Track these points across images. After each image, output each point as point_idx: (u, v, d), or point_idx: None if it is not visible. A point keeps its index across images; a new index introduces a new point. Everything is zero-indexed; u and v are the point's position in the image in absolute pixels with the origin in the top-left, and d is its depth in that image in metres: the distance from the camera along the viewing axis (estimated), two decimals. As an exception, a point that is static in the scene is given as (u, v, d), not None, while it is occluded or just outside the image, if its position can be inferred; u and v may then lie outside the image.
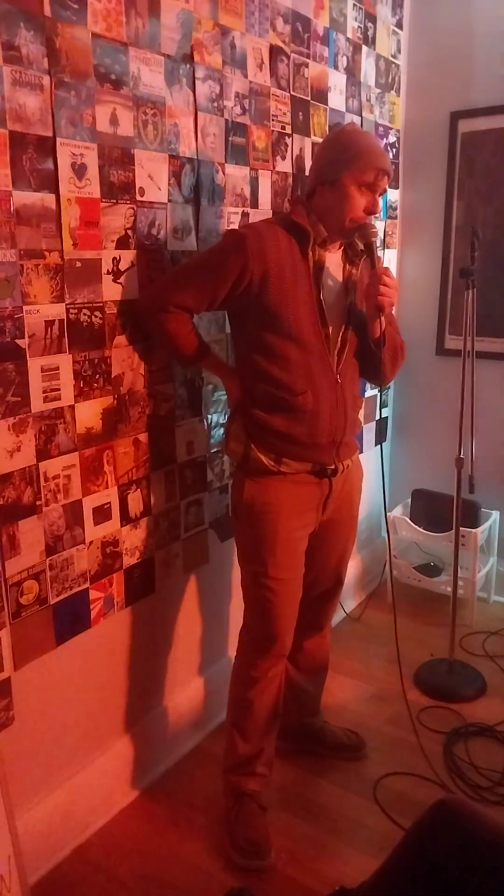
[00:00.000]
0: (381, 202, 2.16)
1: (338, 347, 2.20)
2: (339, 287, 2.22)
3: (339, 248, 2.23)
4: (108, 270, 2.14)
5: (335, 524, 2.40)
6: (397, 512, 3.86)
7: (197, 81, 2.34)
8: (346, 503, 2.40)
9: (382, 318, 2.18)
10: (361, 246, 2.20)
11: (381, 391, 3.84)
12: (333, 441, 2.23)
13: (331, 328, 2.17)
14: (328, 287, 2.17)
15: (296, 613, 2.35)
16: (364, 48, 3.25)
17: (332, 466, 2.26)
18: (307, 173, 2.30)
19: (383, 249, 3.67)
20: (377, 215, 2.21)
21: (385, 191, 2.16)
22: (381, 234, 3.63)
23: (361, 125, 3.30)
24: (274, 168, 2.73)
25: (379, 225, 3.59)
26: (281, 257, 2.08)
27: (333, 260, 2.21)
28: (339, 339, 2.21)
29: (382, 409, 3.92)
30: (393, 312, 2.36)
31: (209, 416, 2.63)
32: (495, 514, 3.76)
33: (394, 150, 3.66)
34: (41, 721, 2.19)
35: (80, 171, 2.00)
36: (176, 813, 2.46)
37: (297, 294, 2.10)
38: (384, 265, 2.26)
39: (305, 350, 2.13)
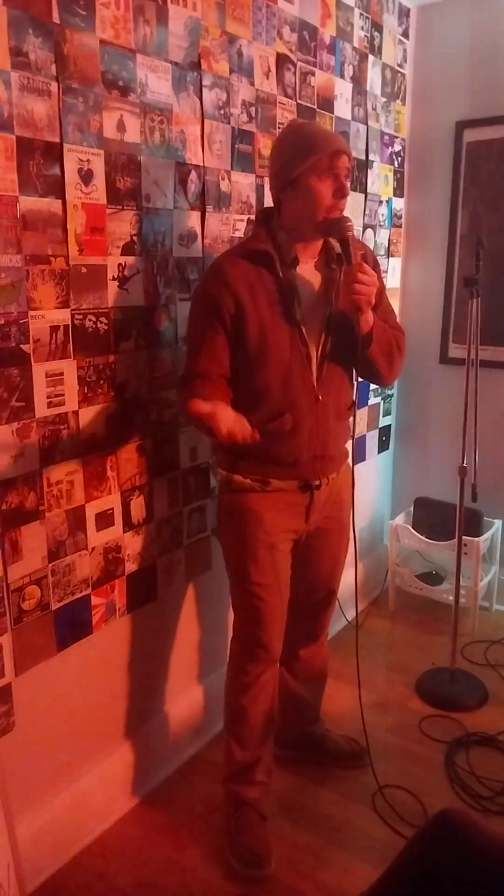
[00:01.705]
0: (347, 184, 2.05)
1: (317, 362, 2.17)
2: (317, 299, 2.15)
3: (315, 257, 2.17)
4: (113, 276, 2.14)
5: (325, 533, 2.39)
6: (400, 520, 3.86)
7: (204, 89, 2.35)
8: (334, 511, 2.38)
9: (362, 319, 2.08)
10: (338, 248, 2.11)
11: (384, 399, 3.85)
12: (314, 456, 2.21)
13: (310, 345, 2.13)
14: (304, 301, 2.12)
15: (283, 619, 2.34)
16: (370, 57, 3.26)
17: (317, 482, 2.25)
18: (268, 186, 2.22)
19: (387, 258, 3.68)
20: (346, 203, 2.09)
21: (349, 171, 2.06)
22: (385, 243, 3.63)
23: (367, 134, 3.31)
24: (279, 176, 2.73)
25: (383, 234, 3.59)
26: (250, 284, 2.05)
27: (307, 271, 2.15)
28: (319, 353, 2.16)
29: (385, 417, 3.92)
30: (392, 306, 2.34)
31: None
32: (498, 523, 3.75)
33: (399, 158, 3.66)
34: (41, 727, 2.18)
35: (86, 177, 2.00)
36: (176, 820, 2.45)
37: (274, 318, 2.07)
38: (367, 261, 2.14)
39: (285, 373, 2.11)
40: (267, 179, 2.65)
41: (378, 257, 3.54)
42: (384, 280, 3.43)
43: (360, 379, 2.33)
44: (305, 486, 2.23)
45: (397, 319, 2.43)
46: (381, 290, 2.20)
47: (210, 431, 1.92)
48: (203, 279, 2.15)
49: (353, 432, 3.51)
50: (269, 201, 2.65)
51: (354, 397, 2.37)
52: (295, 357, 2.11)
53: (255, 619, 2.28)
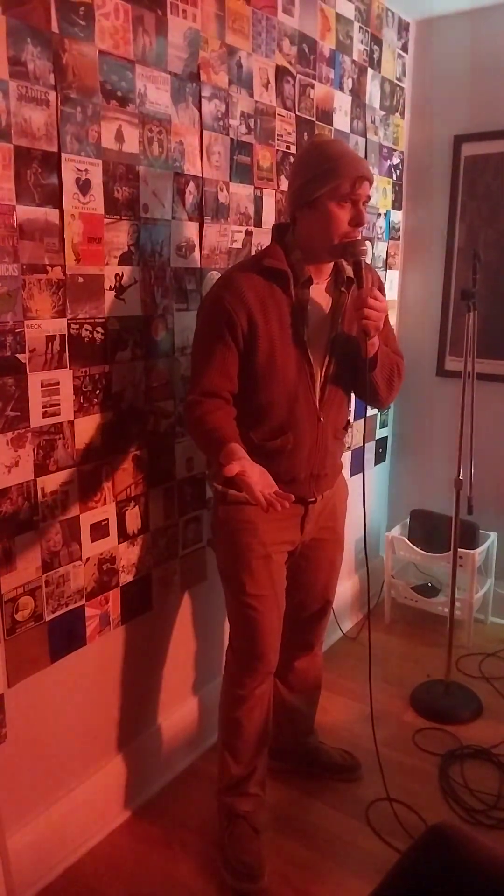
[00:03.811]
0: (366, 211, 2.06)
1: (320, 384, 2.17)
2: (324, 320, 2.15)
3: (326, 279, 2.17)
4: (110, 286, 2.14)
5: (320, 544, 2.38)
6: (396, 532, 3.85)
7: (203, 100, 2.35)
8: (329, 521, 2.38)
9: (369, 343, 2.08)
10: (350, 272, 2.11)
11: (380, 411, 3.85)
12: (312, 475, 2.22)
13: (314, 366, 2.13)
14: (312, 323, 2.11)
15: (279, 630, 2.33)
16: (369, 71, 3.27)
17: (312, 499, 2.26)
18: (284, 198, 2.18)
19: (385, 270, 3.68)
20: (365, 228, 2.08)
21: (369, 198, 2.05)
22: (383, 255, 3.64)
23: (366, 147, 3.32)
24: (278, 187, 2.74)
25: (381, 246, 3.60)
26: (263, 302, 2.03)
27: (318, 293, 2.14)
28: (322, 374, 2.17)
29: (382, 429, 3.92)
30: (393, 331, 2.33)
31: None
32: (493, 536, 3.75)
33: (397, 171, 3.67)
34: (34, 739, 2.17)
35: (84, 186, 2.00)
36: (169, 833, 2.43)
37: (284, 338, 2.06)
38: (375, 285, 2.17)
39: (290, 393, 2.10)
40: (265, 191, 2.67)
41: (376, 269, 3.55)
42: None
43: (356, 400, 2.32)
44: (300, 501, 2.22)
45: (397, 341, 2.43)
46: (386, 314, 2.18)
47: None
48: (216, 291, 2.09)
49: (351, 444, 3.53)
50: (267, 212, 2.67)
51: (350, 417, 2.37)
52: (301, 378, 2.11)
53: (252, 631, 2.27)
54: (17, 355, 1.90)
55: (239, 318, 2.01)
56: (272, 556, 2.24)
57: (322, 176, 1.97)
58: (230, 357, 2.05)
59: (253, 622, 2.26)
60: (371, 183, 2.02)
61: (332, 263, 2.16)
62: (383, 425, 3.93)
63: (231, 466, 1.79)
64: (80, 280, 2.04)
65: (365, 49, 3.22)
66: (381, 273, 3.64)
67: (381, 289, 2.25)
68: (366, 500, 2.22)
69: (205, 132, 2.38)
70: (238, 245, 2.60)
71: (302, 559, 2.37)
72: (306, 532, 2.31)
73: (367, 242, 2.04)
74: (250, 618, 2.26)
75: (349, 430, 2.38)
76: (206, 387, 2.06)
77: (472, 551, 3.51)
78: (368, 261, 2.16)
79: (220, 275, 2.24)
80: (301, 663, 2.60)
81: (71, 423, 2.09)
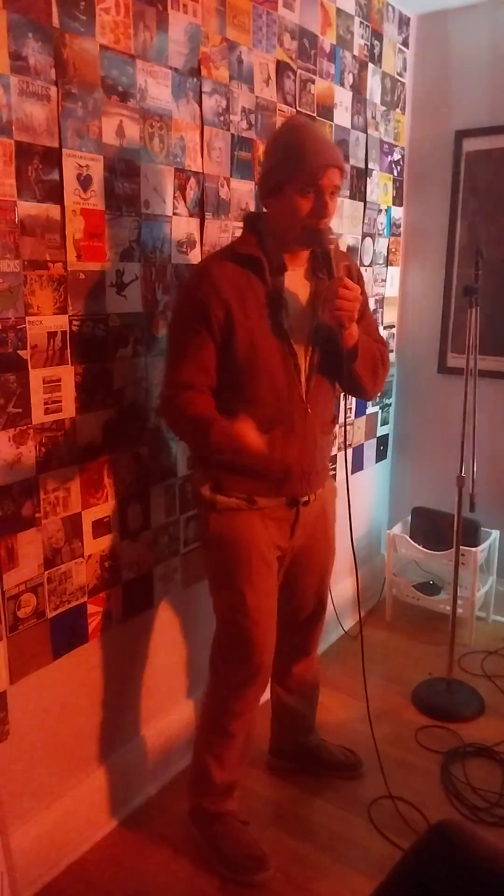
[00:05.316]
0: (333, 203, 1.97)
1: (306, 374, 2.11)
2: (304, 309, 2.09)
3: (303, 266, 2.11)
4: (111, 283, 2.13)
5: (311, 550, 2.35)
6: (397, 529, 3.85)
7: (204, 95, 2.34)
8: (320, 524, 2.34)
9: (346, 334, 2.03)
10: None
11: (382, 408, 3.84)
12: (304, 472, 2.16)
13: (298, 356, 2.07)
14: (292, 311, 2.06)
15: (275, 638, 2.28)
16: (370, 66, 3.26)
17: (305, 498, 2.21)
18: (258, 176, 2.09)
19: (386, 267, 3.67)
20: (330, 218, 2.02)
21: (338, 187, 1.96)
22: (384, 252, 3.63)
23: (367, 142, 3.31)
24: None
25: (382, 243, 3.59)
26: (239, 291, 1.98)
27: (295, 280, 2.09)
28: (307, 364, 2.11)
29: (383, 427, 3.91)
30: (375, 319, 2.27)
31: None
32: (495, 534, 3.74)
33: (398, 167, 3.66)
34: (37, 735, 2.17)
35: (85, 182, 1.99)
36: (172, 829, 2.43)
37: (263, 328, 2.01)
38: (352, 274, 2.13)
39: (276, 385, 2.05)
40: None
41: (377, 266, 3.55)
42: (369, 291, 3.44)
43: (341, 393, 2.29)
44: (293, 502, 2.19)
45: (387, 329, 2.40)
46: (365, 303, 2.14)
47: (237, 451, 1.87)
48: (189, 281, 2.07)
49: (352, 441, 3.52)
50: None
51: (336, 411, 2.33)
52: (285, 369, 2.06)
53: (251, 644, 2.20)
54: (19, 352, 1.90)
55: (214, 309, 1.96)
56: (270, 562, 2.20)
57: (286, 164, 1.92)
58: (207, 350, 2.00)
59: (252, 635, 2.19)
60: (342, 171, 1.96)
61: (309, 251, 2.10)
62: (384, 423, 3.93)
63: (236, 428, 1.81)
64: (82, 276, 2.04)
65: (365, 44, 3.21)
66: (381, 270, 3.63)
67: (358, 276, 2.20)
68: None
69: (206, 127, 2.37)
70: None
71: (294, 566, 2.33)
72: (296, 537, 2.26)
73: (335, 232, 1.96)
74: (249, 630, 2.19)
75: (336, 424, 2.33)
76: (183, 380, 2.02)
77: (474, 549, 3.50)
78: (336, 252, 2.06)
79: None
80: (299, 668, 2.58)
81: (73, 419, 2.08)
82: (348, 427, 3.49)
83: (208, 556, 2.26)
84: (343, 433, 2.86)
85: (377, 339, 2.29)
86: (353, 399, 3.47)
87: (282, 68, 2.68)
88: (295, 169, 1.91)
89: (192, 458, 2.27)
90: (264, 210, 2.10)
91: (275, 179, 1.96)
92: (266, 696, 2.66)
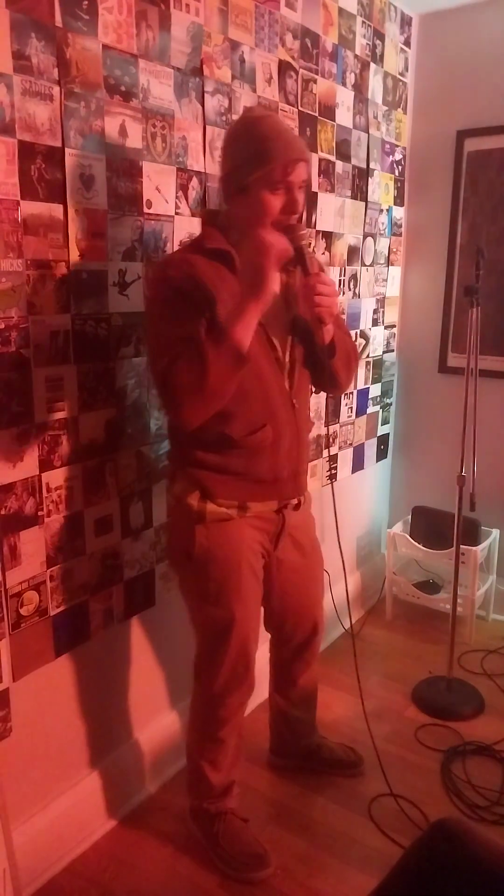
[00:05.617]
0: (302, 197, 1.91)
1: (288, 368, 2.06)
2: (278, 302, 2.00)
3: None
4: (114, 282, 2.14)
5: (304, 566, 2.33)
6: (397, 529, 3.85)
7: (206, 95, 2.35)
8: (306, 539, 2.33)
9: (325, 330, 1.97)
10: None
11: (382, 408, 3.84)
12: (293, 471, 2.13)
13: (279, 350, 2.03)
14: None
15: (258, 641, 2.24)
16: (372, 65, 3.27)
17: (295, 501, 2.19)
18: (219, 176, 2.02)
19: (387, 267, 3.68)
20: (299, 214, 1.94)
21: (306, 181, 1.90)
22: (385, 252, 3.63)
23: (368, 142, 3.31)
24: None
25: (383, 242, 3.59)
26: (214, 283, 1.88)
27: None
28: (288, 359, 2.06)
29: (384, 426, 3.92)
30: (341, 315, 2.21)
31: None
32: (495, 533, 3.75)
33: (400, 167, 3.67)
34: (39, 732, 2.17)
35: (88, 181, 2.00)
36: (172, 827, 2.43)
37: None
38: (319, 269, 2.03)
39: (262, 380, 1.98)
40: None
41: (378, 266, 3.56)
42: (370, 291, 3.43)
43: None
44: (282, 506, 2.16)
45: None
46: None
47: (261, 275, 1.77)
48: (162, 273, 1.95)
49: (353, 440, 3.53)
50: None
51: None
52: (269, 362, 2.01)
53: (239, 655, 2.17)
54: (22, 351, 1.90)
55: (198, 300, 1.85)
56: (257, 570, 2.17)
57: (252, 160, 1.84)
58: (197, 325, 1.84)
59: (241, 647, 2.17)
60: (308, 164, 1.91)
61: None
62: (385, 422, 3.93)
63: (262, 238, 1.77)
64: (84, 275, 2.04)
65: (367, 44, 3.21)
66: (382, 269, 3.63)
67: (320, 268, 2.12)
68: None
69: (208, 127, 2.38)
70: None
71: (292, 587, 2.32)
72: (280, 548, 2.22)
73: (307, 228, 1.89)
74: (238, 642, 2.15)
75: (312, 422, 2.29)
76: (178, 349, 1.83)
77: (474, 548, 3.51)
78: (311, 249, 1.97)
79: None
80: (303, 679, 2.57)
81: (75, 418, 2.09)
82: (349, 427, 3.50)
83: (191, 571, 2.14)
84: (329, 427, 2.84)
85: (346, 332, 2.25)
86: (354, 398, 3.48)
87: (284, 68, 2.69)
88: (262, 167, 1.83)
89: (172, 464, 2.17)
90: (217, 209, 2.04)
91: (241, 178, 1.88)
92: (263, 696, 2.67)
